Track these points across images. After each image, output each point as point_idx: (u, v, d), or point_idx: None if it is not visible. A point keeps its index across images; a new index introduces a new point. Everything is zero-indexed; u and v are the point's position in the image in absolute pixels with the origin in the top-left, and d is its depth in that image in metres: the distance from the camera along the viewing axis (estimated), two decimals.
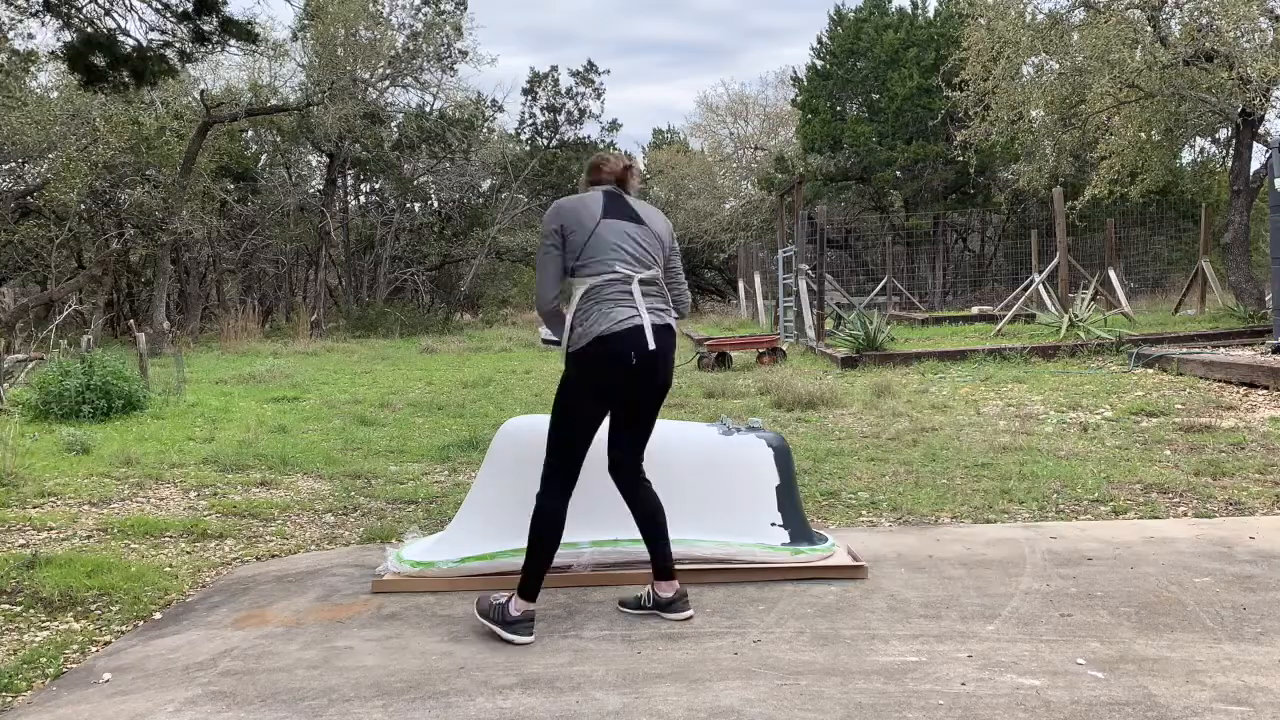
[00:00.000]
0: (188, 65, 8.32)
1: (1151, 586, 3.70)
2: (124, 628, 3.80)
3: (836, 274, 23.49)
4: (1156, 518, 4.84)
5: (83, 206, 20.05)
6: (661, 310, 3.48)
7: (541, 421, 4.32)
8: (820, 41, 29.59)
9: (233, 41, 7.36)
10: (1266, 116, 14.57)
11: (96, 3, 7.05)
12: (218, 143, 22.49)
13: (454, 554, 4.03)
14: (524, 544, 4.05)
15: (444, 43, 24.59)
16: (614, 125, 38.56)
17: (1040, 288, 15.70)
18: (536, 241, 25.93)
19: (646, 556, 3.99)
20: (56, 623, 3.83)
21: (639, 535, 4.04)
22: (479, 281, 28.56)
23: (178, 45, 7.17)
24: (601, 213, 3.45)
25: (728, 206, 33.89)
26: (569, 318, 3.43)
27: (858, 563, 3.98)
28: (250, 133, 25.95)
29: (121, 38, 6.92)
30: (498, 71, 73.52)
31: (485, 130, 28.29)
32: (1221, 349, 11.06)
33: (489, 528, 4.09)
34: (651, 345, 3.36)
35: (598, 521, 4.06)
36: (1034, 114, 16.59)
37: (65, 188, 18.66)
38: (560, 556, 3.98)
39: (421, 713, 2.82)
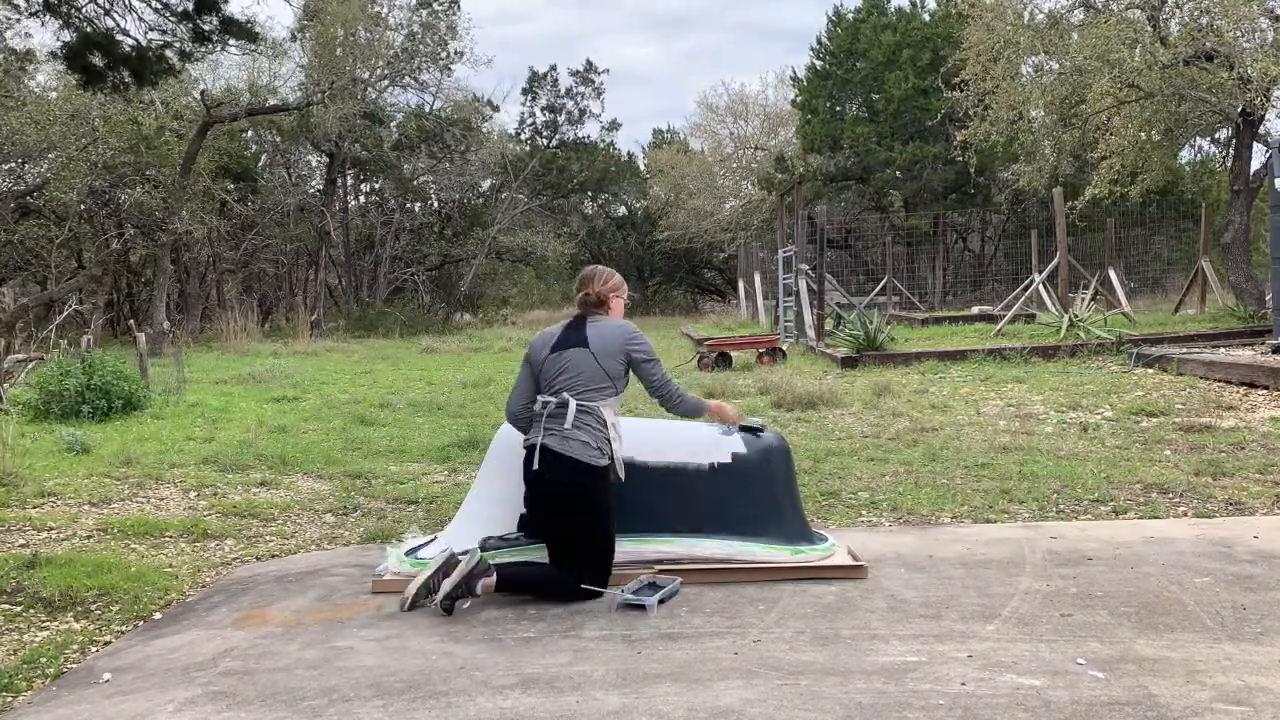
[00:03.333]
0: (188, 65, 8.31)
1: (1152, 586, 3.70)
2: (124, 628, 3.80)
3: (836, 274, 23.49)
4: (1156, 518, 4.84)
5: (83, 206, 20.04)
6: (553, 431, 3.81)
7: None
8: (819, 42, 29.57)
9: (233, 41, 7.36)
10: (1266, 116, 14.57)
11: (96, 2, 7.05)
12: (218, 143, 22.47)
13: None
14: (524, 542, 4.06)
15: (440, 43, 24.59)
16: (614, 125, 38.64)
17: (1040, 288, 15.70)
18: (536, 241, 25.60)
19: (648, 555, 4.00)
20: (56, 623, 3.83)
21: (639, 534, 4.05)
22: (479, 281, 28.56)
23: (177, 45, 7.15)
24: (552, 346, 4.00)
25: (728, 206, 33.85)
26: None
27: (858, 563, 3.98)
28: (250, 133, 25.92)
29: (121, 37, 6.91)
30: (493, 73, 73.44)
31: (484, 130, 28.28)
32: (1221, 349, 11.06)
33: (489, 527, 4.09)
34: (535, 465, 3.81)
35: None
36: (1034, 114, 16.58)
37: (65, 188, 18.65)
38: None
39: (421, 713, 2.82)
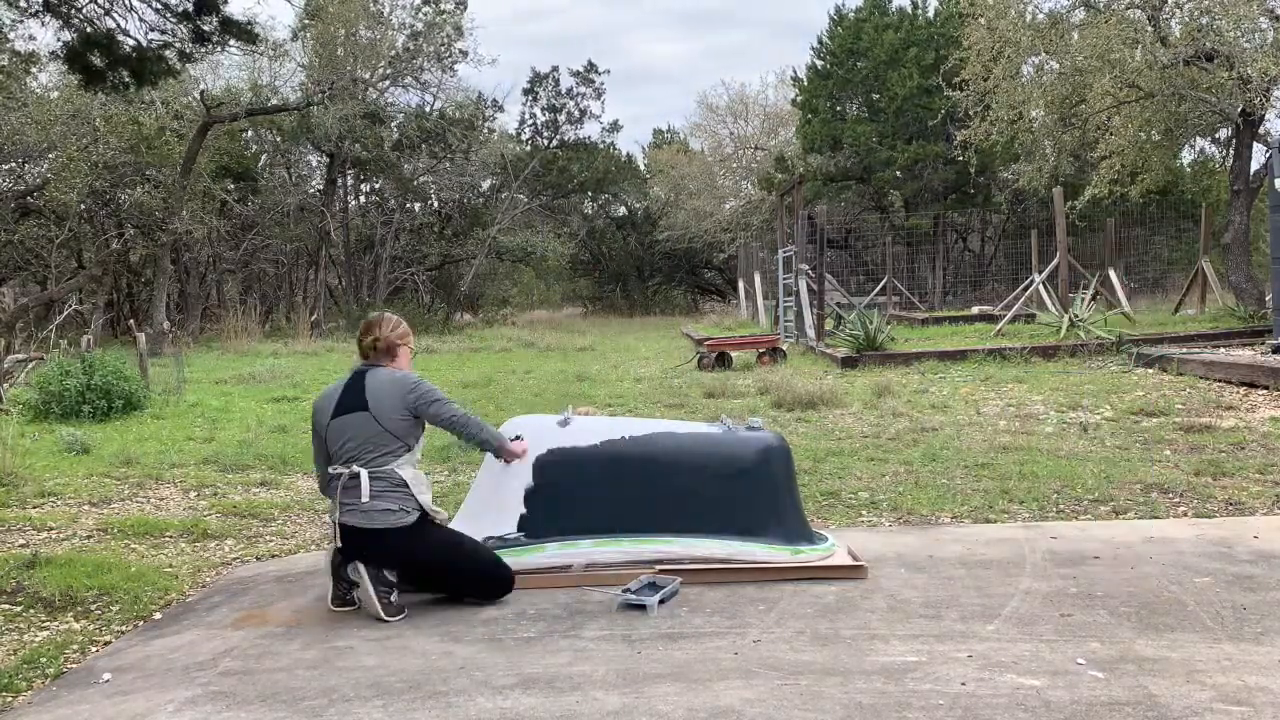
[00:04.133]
0: (188, 65, 8.31)
1: (1152, 586, 3.70)
2: (124, 628, 3.80)
3: (836, 274, 23.49)
4: (1156, 518, 4.84)
5: (83, 206, 20.03)
6: (352, 507, 3.64)
7: (542, 421, 4.32)
8: (820, 41, 29.57)
9: (233, 41, 7.35)
10: (1266, 116, 14.58)
11: (96, 3, 7.04)
12: (218, 143, 22.46)
13: None
14: (524, 542, 4.06)
15: (444, 43, 24.58)
16: (614, 126, 38.63)
17: (1040, 288, 15.69)
18: (536, 241, 25.55)
19: (646, 556, 4.00)
20: (56, 623, 3.83)
21: (638, 534, 4.05)
22: (479, 281, 28.55)
23: (177, 45, 7.15)
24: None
25: (728, 206, 33.83)
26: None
27: (858, 563, 3.98)
28: (250, 133, 25.91)
29: (121, 38, 6.91)
30: (500, 71, 73.25)
31: (485, 130, 28.27)
32: (1221, 349, 11.06)
33: (489, 527, 4.09)
34: (339, 543, 3.67)
35: (597, 521, 4.06)
36: (1034, 114, 16.58)
37: (65, 188, 18.64)
38: (560, 556, 3.99)
39: (421, 713, 2.82)
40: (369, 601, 3.60)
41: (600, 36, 73.37)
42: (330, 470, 3.75)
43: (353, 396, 3.79)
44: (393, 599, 3.63)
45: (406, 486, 3.68)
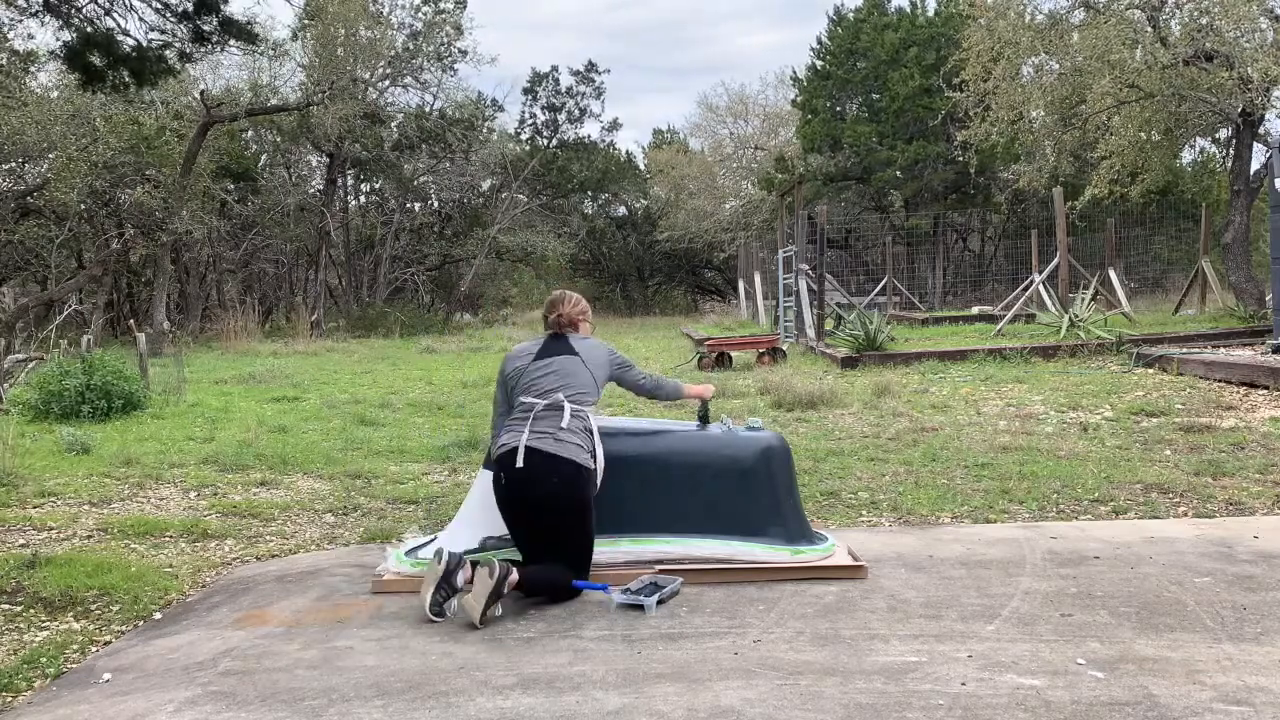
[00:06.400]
0: (187, 65, 8.31)
1: (1152, 586, 3.70)
2: (124, 628, 3.80)
3: (836, 274, 23.48)
4: (1157, 518, 4.84)
5: (83, 206, 20.00)
6: (545, 434, 3.79)
7: None
8: (820, 42, 29.59)
9: (233, 41, 7.35)
10: (1266, 116, 14.58)
11: (96, 2, 7.04)
12: (218, 143, 22.44)
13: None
14: None
15: (444, 42, 24.58)
16: (614, 125, 38.65)
17: (1040, 288, 15.69)
18: (536, 241, 25.49)
19: (649, 555, 4.00)
20: (56, 623, 3.83)
21: (638, 534, 4.05)
22: (479, 281, 28.54)
23: (177, 45, 7.15)
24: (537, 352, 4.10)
25: (728, 206, 33.82)
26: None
27: (858, 563, 3.98)
28: (250, 133, 25.89)
29: (121, 37, 6.91)
30: (500, 70, 72.78)
31: (485, 130, 28.26)
32: (1221, 349, 11.06)
33: (489, 527, 4.09)
34: (519, 464, 3.75)
35: (597, 522, 4.06)
36: (1034, 114, 16.58)
37: (65, 188, 18.62)
38: None
39: (421, 713, 2.82)
40: (472, 605, 3.48)
41: (690, 24, 72.82)
42: (522, 400, 3.93)
43: (558, 347, 4.08)
44: (496, 612, 3.56)
45: (592, 435, 3.89)
